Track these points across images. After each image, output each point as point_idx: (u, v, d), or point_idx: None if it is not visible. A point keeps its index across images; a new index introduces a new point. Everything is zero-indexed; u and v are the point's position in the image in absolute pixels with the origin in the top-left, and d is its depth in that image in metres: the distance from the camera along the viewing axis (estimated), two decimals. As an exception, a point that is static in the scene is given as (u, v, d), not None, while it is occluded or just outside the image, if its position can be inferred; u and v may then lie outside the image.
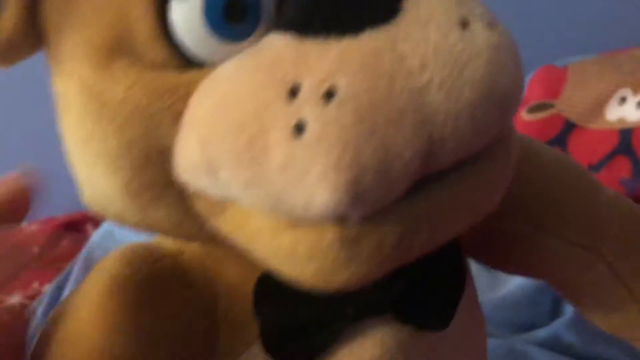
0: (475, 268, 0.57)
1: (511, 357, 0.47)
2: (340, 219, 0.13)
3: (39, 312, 0.62)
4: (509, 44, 0.14)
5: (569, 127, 0.63)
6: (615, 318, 0.24)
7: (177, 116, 0.14)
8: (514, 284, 0.54)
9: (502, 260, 0.24)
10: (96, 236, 0.74)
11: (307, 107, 0.12)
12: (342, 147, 0.12)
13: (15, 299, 0.73)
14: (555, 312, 0.52)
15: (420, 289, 0.18)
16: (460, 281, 0.20)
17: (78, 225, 0.87)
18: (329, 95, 0.12)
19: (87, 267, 0.66)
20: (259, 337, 0.18)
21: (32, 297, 0.71)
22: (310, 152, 0.12)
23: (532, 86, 0.68)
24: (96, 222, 0.84)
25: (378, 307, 0.18)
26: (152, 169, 0.15)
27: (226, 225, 0.15)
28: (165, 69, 0.14)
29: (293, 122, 0.12)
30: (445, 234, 0.15)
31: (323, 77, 0.12)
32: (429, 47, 0.12)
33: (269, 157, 0.12)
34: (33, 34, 0.16)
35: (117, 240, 0.68)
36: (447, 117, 0.12)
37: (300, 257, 0.13)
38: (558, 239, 0.22)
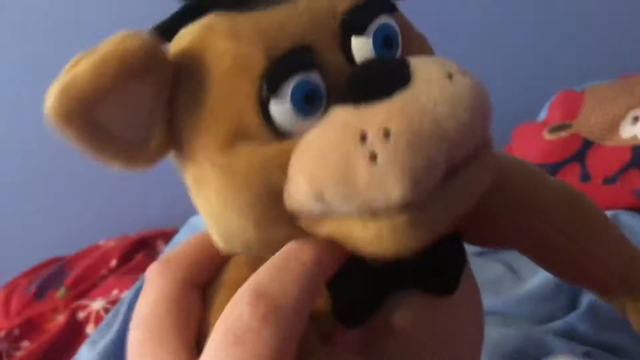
0: (501, 270, 0.63)
1: (530, 344, 0.52)
2: (405, 207, 0.19)
3: (122, 314, 0.70)
4: (478, 83, 0.21)
5: (587, 144, 0.69)
6: (572, 272, 0.31)
7: (284, 169, 0.21)
8: (535, 282, 0.58)
9: (489, 240, 0.31)
10: (167, 250, 0.82)
11: (376, 144, 0.19)
12: (401, 163, 0.19)
13: (98, 303, 0.84)
14: (571, 307, 0.57)
15: (434, 265, 0.25)
16: (462, 257, 0.26)
17: (150, 241, 0.97)
18: (386, 134, 0.19)
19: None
20: (332, 308, 0.24)
21: (113, 302, 0.81)
22: (383, 169, 0.19)
23: (552, 109, 0.75)
24: (166, 238, 0.94)
25: (409, 280, 0.25)
26: (272, 206, 0.21)
27: (324, 230, 0.21)
28: (270, 143, 0.21)
29: (368, 154, 0.19)
30: (463, 209, 0.21)
31: (379, 125, 0.19)
32: (436, 93, 0.20)
33: (357, 179, 0.19)
34: (170, 141, 0.23)
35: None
36: (455, 132, 0.19)
37: (385, 237, 0.20)
38: (523, 221, 0.29)
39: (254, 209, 0.21)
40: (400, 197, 0.19)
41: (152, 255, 0.92)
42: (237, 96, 0.21)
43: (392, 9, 0.23)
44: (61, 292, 0.90)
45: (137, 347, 0.24)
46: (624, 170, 0.66)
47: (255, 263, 0.23)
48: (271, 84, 0.20)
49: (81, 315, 0.83)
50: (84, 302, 0.86)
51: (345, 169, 0.19)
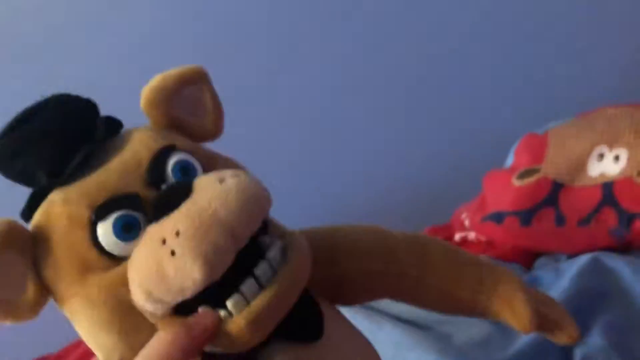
0: (489, 329, 0.62)
1: None
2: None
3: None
4: (248, 179, 0.27)
5: (557, 187, 0.69)
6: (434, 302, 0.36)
7: (126, 284, 0.26)
8: (525, 339, 0.57)
9: (348, 297, 0.35)
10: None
11: (172, 243, 0.25)
12: (192, 251, 0.24)
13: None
14: None
15: (297, 320, 0.29)
16: (316, 308, 0.31)
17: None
18: (177, 234, 0.25)
19: None
20: None
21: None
22: (181, 260, 0.24)
23: (518, 154, 0.74)
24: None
25: (277, 335, 0.28)
26: (129, 316, 0.27)
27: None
28: (111, 268, 0.27)
29: (169, 252, 0.25)
30: (291, 295, 0.27)
31: (172, 229, 0.25)
32: (209, 196, 0.26)
33: (167, 273, 0.25)
34: (43, 292, 0.28)
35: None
36: (232, 219, 0.25)
37: (231, 334, 0.26)
38: (372, 266, 0.34)
39: (116, 322, 0.27)
40: (201, 277, 0.24)
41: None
42: (76, 242, 0.28)
43: (180, 149, 0.30)
44: (48, 396, 0.87)
45: None
46: (597, 209, 0.65)
47: None
48: (94, 225, 0.27)
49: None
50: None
51: (158, 268, 0.25)
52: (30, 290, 0.28)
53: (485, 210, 0.74)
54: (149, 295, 0.25)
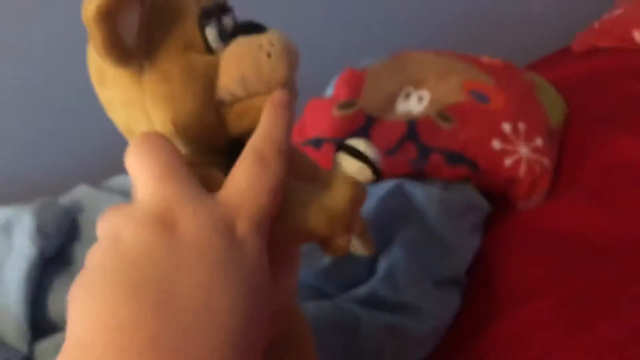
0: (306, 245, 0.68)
1: (341, 315, 0.57)
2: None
3: None
4: (290, 40, 0.34)
5: (370, 120, 0.76)
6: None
7: (216, 70, 0.33)
8: None
9: None
10: None
11: (268, 48, 0.33)
12: (283, 57, 0.33)
13: None
14: (372, 269, 0.63)
15: None
16: None
17: None
18: (272, 44, 0.33)
19: None
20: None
21: None
22: (275, 61, 0.33)
23: (338, 86, 0.80)
24: None
25: None
26: (212, 95, 0.33)
27: (242, 116, 0.34)
28: (207, 54, 0.33)
29: (266, 54, 0.33)
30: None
31: (268, 40, 0.33)
32: (280, 33, 0.34)
33: (263, 68, 0.33)
34: (141, 48, 0.31)
35: None
36: (293, 52, 0.34)
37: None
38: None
39: (203, 95, 0.33)
40: (286, 75, 0.33)
41: None
42: (187, 22, 0.33)
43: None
44: None
45: None
46: (401, 142, 0.74)
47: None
48: (205, 20, 0.33)
49: None
50: None
51: (256, 63, 0.33)
52: (137, 42, 0.31)
53: (305, 135, 0.80)
54: (243, 79, 0.33)
